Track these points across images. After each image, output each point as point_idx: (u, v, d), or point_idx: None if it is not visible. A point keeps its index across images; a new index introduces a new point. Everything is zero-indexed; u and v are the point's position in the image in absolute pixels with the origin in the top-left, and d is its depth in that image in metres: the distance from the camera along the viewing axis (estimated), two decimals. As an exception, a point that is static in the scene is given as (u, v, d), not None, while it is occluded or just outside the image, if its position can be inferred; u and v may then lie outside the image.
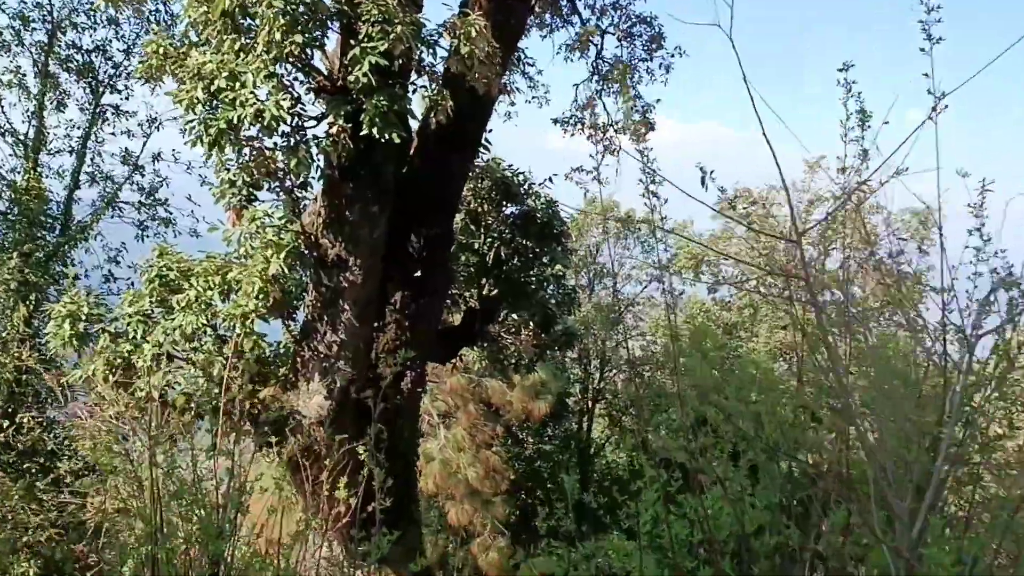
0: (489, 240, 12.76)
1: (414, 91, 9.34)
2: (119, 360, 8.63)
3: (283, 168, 8.62)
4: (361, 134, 8.17)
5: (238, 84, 7.63)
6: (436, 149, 10.59)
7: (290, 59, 7.82)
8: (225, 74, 7.63)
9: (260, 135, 8.25)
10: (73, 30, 16.10)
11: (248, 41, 7.79)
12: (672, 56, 14.22)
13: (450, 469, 20.92)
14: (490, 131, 11.33)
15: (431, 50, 8.77)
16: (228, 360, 7.80)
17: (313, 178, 9.20)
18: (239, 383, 6.44)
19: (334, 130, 8.66)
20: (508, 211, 13.02)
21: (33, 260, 13.14)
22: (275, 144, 8.45)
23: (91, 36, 16.43)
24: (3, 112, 15.66)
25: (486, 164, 12.70)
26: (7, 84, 15.52)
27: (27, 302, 12.38)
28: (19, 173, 15.29)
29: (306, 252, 9.46)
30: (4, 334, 12.51)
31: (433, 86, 9.33)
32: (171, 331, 8.69)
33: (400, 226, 10.33)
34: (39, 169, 15.44)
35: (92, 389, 8.50)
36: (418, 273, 10.81)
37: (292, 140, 8.37)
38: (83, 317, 8.78)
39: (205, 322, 8.76)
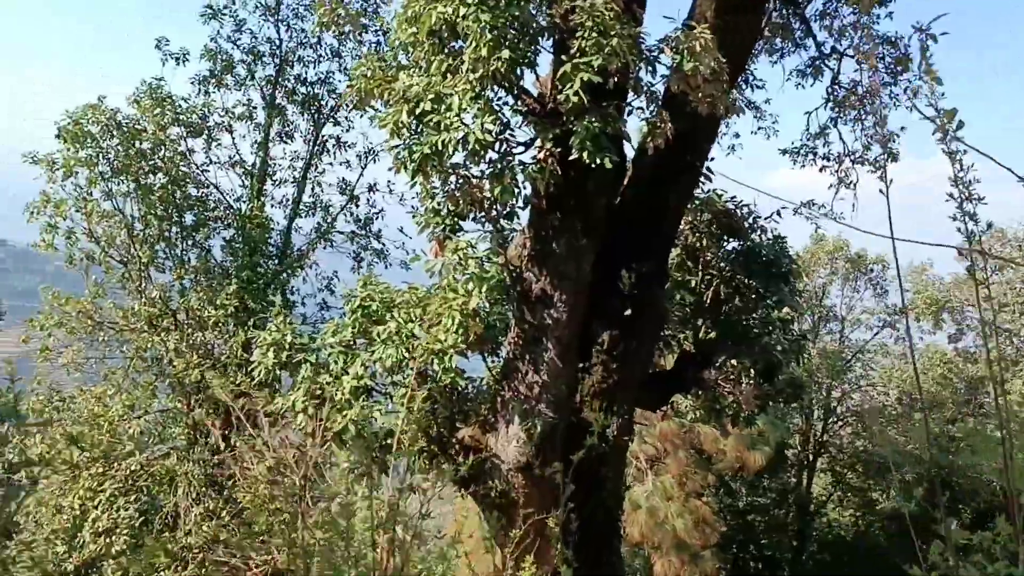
0: (707, 278, 11.68)
1: (630, 113, 8.59)
2: (319, 391, 8.45)
3: (489, 197, 8.17)
4: (570, 159, 7.53)
5: (444, 107, 7.23)
6: (652, 177, 9.77)
7: (497, 77, 7.31)
8: (431, 96, 7.26)
9: (466, 162, 7.84)
10: (299, 64, 16.97)
11: (455, 62, 7.41)
12: (921, 80, 12.64)
13: (657, 518, 19.82)
14: (712, 159, 10.34)
15: (650, 67, 7.99)
16: (410, 393, 7.34)
17: (520, 207, 8.67)
18: (418, 418, 5.88)
19: (542, 155, 8.10)
20: (729, 247, 11.88)
21: (252, 287, 13.62)
22: (481, 172, 8.01)
23: (315, 69, 17.26)
24: (234, 143, 16.65)
25: (706, 195, 11.68)
26: (239, 117, 16.51)
27: (245, 328, 12.79)
28: (245, 202, 16.12)
29: (510, 286, 8.96)
30: (224, 358, 13.00)
31: (651, 107, 8.54)
32: (371, 363, 8.44)
33: (610, 260, 9.56)
34: (263, 198, 16.24)
35: (293, 419, 8.45)
36: (628, 312, 9.98)
37: (498, 167, 7.88)
38: (287, 346, 8.71)
39: (406, 355, 8.44)
